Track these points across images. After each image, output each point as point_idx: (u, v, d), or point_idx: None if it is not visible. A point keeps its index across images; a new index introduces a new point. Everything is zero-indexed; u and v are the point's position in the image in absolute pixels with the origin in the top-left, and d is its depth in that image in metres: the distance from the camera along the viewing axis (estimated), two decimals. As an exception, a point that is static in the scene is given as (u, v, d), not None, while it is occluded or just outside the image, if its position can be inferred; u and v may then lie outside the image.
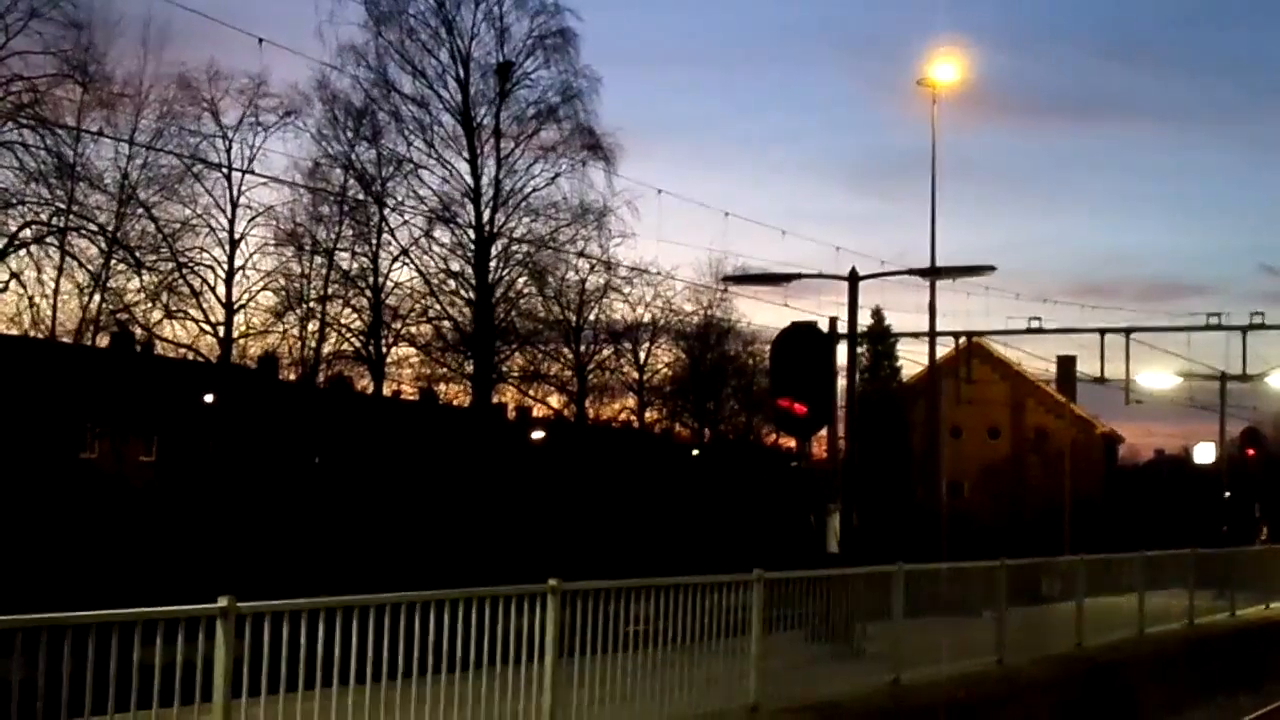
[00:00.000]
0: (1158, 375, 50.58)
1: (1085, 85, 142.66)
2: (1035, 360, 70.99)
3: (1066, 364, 71.05)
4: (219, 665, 8.68)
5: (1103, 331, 45.05)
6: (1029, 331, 46.30)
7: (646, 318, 66.17)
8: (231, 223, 52.64)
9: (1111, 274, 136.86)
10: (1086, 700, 20.34)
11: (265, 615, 9.08)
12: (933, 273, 37.82)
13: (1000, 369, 75.00)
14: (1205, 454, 65.19)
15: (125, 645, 8.08)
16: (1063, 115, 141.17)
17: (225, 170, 52.04)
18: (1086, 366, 51.25)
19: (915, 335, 52.29)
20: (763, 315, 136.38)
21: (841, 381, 27.14)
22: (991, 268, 27.95)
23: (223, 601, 8.71)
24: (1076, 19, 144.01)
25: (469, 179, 54.93)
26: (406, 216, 55.50)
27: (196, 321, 52.44)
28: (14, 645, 7.62)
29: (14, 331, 46.05)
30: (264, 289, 54.13)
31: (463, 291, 55.75)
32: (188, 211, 51.83)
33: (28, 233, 46.59)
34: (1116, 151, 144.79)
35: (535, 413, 64.73)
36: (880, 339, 63.90)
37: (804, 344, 21.40)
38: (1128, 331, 45.13)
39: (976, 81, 55.72)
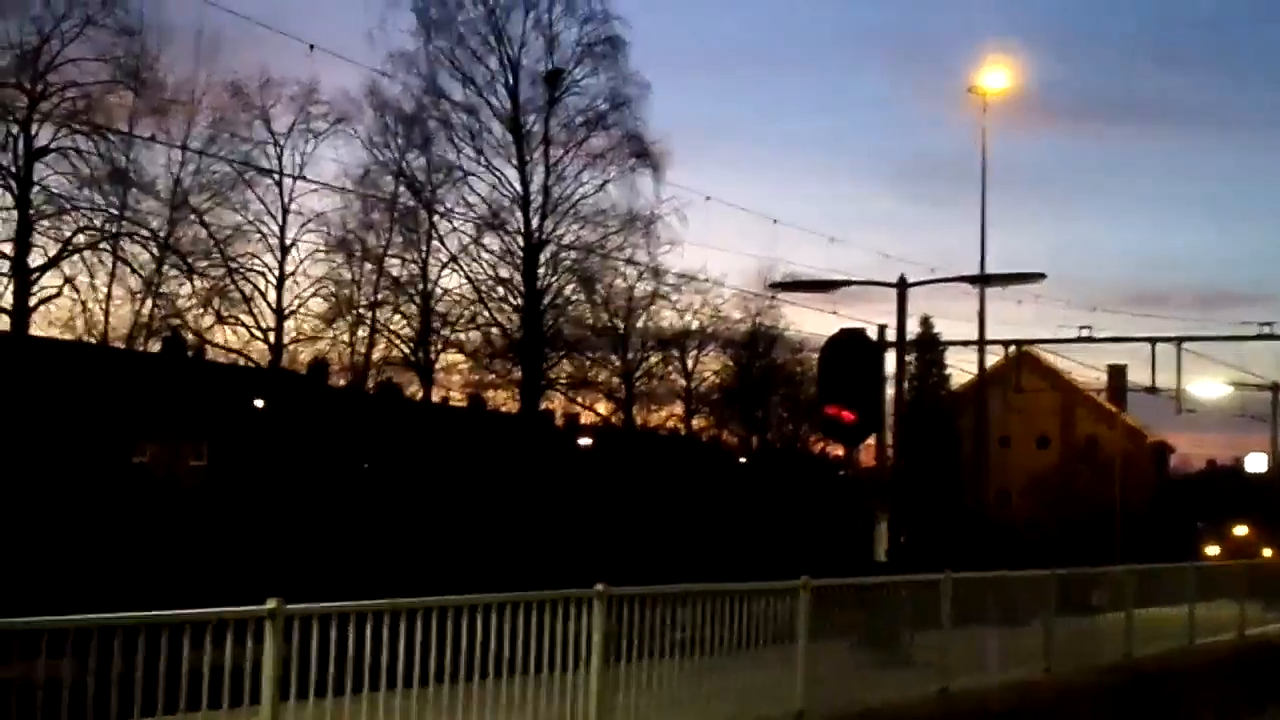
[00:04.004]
0: (1209, 385, 50.16)
1: (1135, 89, 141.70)
2: (1085, 369, 70.48)
3: (1117, 373, 70.48)
4: (267, 667, 8.70)
5: (1154, 340, 44.58)
6: (1079, 340, 45.92)
7: (694, 325, 66.10)
8: (282, 229, 53.17)
9: (1163, 282, 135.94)
10: (1134, 709, 20.20)
11: (313, 617, 9.10)
12: (982, 280, 37.59)
13: (1050, 378, 74.50)
14: (1257, 464, 64.68)
15: (174, 647, 8.12)
16: (1113, 120, 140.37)
17: (276, 176, 52.53)
18: (1137, 376, 50.88)
19: (964, 343, 52.03)
20: (811, 323, 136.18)
21: (890, 390, 27.04)
22: (1041, 275, 27.63)
23: (271, 604, 8.73)
24: (1123, 22, 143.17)
25: (518, 186, 55.23)
26: (456, 223, 55.88)
27: (247, 327, 52.97)
28: (65, 646, 7.68)
29: (67, 336, 46.52)
30: (314, 295, 54.67)
31: (511, 298, 55.96)
32: (239, 218, 52.44)
33: (81, 238, 47.15)
34: (1168, 157, 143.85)
35: (583, 420, 64.81)
36: (929, 347, 63.60)
37: (852, 351, 21.30)
38: (1179, 340, 44.67)
39: (1025, 86, 55.42)
